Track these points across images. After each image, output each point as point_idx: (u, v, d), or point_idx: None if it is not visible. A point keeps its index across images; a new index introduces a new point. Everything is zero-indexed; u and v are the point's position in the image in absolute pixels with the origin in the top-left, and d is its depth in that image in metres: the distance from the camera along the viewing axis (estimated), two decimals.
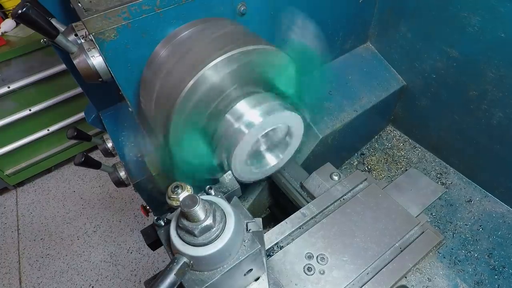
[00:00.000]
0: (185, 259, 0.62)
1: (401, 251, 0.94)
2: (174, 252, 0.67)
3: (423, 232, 0.98)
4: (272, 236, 0.99)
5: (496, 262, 1.39)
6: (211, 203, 0.65)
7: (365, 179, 1.10)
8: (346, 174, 1.14)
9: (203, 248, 0.62)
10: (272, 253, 0.96)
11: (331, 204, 1.04)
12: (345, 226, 0.97)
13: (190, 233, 0.62)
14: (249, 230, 0.71)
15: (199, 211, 0.60)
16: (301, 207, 1.15)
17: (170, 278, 0.59)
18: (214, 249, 0.62)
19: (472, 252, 1.42)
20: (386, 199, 1.04)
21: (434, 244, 0.96)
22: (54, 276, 2.58)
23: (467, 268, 1.38)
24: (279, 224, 1.01)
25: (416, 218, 1.00)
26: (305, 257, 0.93)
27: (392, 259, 0.92)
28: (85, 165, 1.18)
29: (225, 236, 0.63)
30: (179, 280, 0.61)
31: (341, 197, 1.06)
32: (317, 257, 0.92)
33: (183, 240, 0.63)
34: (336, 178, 1.12)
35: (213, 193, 0.76)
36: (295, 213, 1.01)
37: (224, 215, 0.66)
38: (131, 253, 2.63)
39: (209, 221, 0.61)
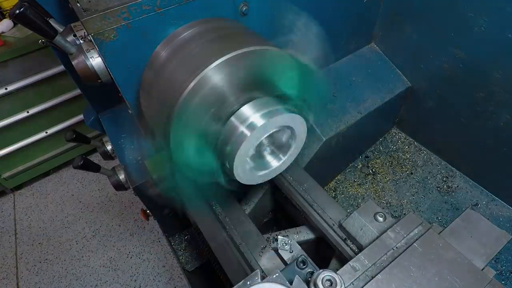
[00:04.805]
0: None
1: None
2: None
3: None
4: None
5: (503, 267, 1.36)
6: None
7: (420, 223, 0.95)
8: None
9: None
10: None
11: (384, 255, 0.89)
12: (405, 284, 0.82)
13: None
14: None
15: None
16: (305, 212, 1.12)
17: None
18: None
19: None
20: (448, 249, 0.88)
21: None
22: (53, 281, 2.55)
23: None
24: None
25: (482, 271, 0.87)
26: None
27: None
28: (84, 168, 1.16)
29: None
30: None
31: (395, 246, 0.91)
32: None
33: None
34: (381, 219, 0.99)
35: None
36: (344, 267, 0.87)
37: None
38: (130, 258, 2.60)
39: None
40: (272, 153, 1.03)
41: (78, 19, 0.75)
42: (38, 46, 2.38)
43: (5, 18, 2.59)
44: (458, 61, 1.36)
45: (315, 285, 0.62)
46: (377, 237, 0.93)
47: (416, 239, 0.91)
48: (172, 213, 1.44)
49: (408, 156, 1.75)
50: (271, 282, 0.60)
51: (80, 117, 2.90)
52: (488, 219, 1.45)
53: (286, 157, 1.02)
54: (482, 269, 0.87)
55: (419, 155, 1.74)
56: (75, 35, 0.95)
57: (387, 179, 1.68)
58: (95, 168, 1.21)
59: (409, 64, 1.58)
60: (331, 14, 1.35)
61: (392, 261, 0.86)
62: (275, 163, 1.03)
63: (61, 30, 0.98)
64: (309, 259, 0.75)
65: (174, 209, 1.41)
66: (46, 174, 3.28)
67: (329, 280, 0.63)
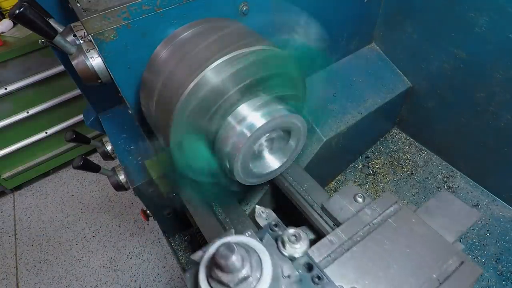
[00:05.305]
0: None
1: (440, 284, 0.84)
2: None
3: (463, 262, 0.88)
4: None
5: (504, 268, 1.36)
6: (247, 249, 0.58)
7: (395, 202, 1.00)
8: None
9: None
10: None
11: (360, 230, 0.94)
12: (378, 255, 0.88)
13: (224, 285, 0.55)
14: (287, 276, 0.63)
15: (236, 262, 0.53)
16: (305, 212, 1.12)
17: None
18: None
19: (479, 257, 1.39)
20: (419, 224, 0.94)
21: (475, 277, 0.86)
22: (52, 282, 2.54)
23: None
24: None
25: (452, 245, 0.92)
26: None
27: None
28: (84, 169, 1.16)
29: (263, 286, 0.56)
30: None
31: (371, 221, 0.96)
32: None
33: None
34: (360, 200, 1.03)
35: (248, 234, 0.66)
36: (321, 240, 0.91)
37: (259, 260, 0.59)
38: (130, 258, 2.60)
39: (245, 271, 0.54)
40: (272, 153, 1.03)
41: (78, 19, 0.75)
42: (38, 46, 2.38)
43: (5, 18, 2.59)
44: (458, 61, 1.36)
45: (282, 240, 0.67)
46: (353, 214, 0.98)
47: (391, 216, 0.96)
48: (172, 214, 1.44)
49: (408, 156, 1.74)
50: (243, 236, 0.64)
51: (80, 117, 2.90)
52: (489, 219, 1.45)
53: (286, 157, 1.02)
54: (452, 243, 0.93)
55: (419, 155, 1.74)
56: (75, 35, 0.95)
57: (388, 179, 1.68)
58: (95, 168, 1.21)
59: (409, 64, 1.57)
60: (331, 14, 1.35)
61: (367, 235, 0.91)
62: (275, 164, 1.02)
63: (61, 30, 0.97)
64: (281, 222, 0.78)
65: (174, 209, 1.40)
66: (46, 174, 3.28)
67: (294, 235, 0.67)
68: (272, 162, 1.03)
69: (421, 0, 1.36)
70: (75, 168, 1.14)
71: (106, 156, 1.41)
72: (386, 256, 0.87)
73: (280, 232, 0.72)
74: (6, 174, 2.93)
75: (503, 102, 1.30)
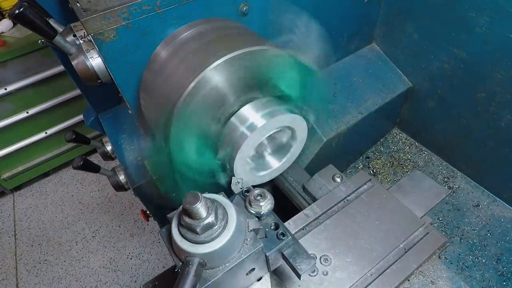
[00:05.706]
0: (199, 259, 0.61)
1: (405, 252, 0.92)
2: (175, 251, 0.67)
3: (428, 233, 0.96)
4: None
5: (505, 268, 1.36)
6: (213, 200, 0.64)
7: (369, 180, 1.07)
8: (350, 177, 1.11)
9: (207, 245, 0.62)
10: None
11: (334, 205, 1.02)
12: (349, 227, 0.96)
13: (192, 230, 0.62)
14: (251, 229, 0.69)
15: (201, 208, 0.59)
16: None
17: (190, 280, 0.58)
18: (216, 247, 0.61)
19: (479, 258, 1.39)
20: (390, 200, 1.02)
21: (438, 245, 0.94)
22: (52, 282, 2.54)
23: (475, 274, 1.35)
24: None
25: (420, 219, 0.99)
26: None
27: (396, 260, 0.91)
28: (84, 169, 1.15)
29: (227, 234, 0.63)
30: (198, 281, 0.60)
31: (345, 198, 1.04)
32: (320, 258, 0.90)
33: (185, 238, 0.63)
34: (338, 180, 1.09)
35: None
36: (298, 214, 1.00)
37: (226, 213, 0.65)
38: (130, 258, 2.59)
39: (211, 219, 0.61)
40: (273, 153, 1.03)
41: (78, 19, 0.75)
42: (38, 46, 2.38)
43: (4, 18, 2.59)
44: (459, 61, 1.36)
45: (249, 200, 0.72)
46: (330, 191, 1.05)
47: (364, 192, 1.04)
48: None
49: (409, 156, 1.74)
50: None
51: (80, 117, 2.90)
52: (490, 220, 1.45)
53: (286, 157, 1.02)
54: (421, 218, 1.00)
55: (420, 155, 1.74)
56: (75, 35, 0.95)
57: (388, 179, 1.67)
58: (95, 168, 1.21)
59: (410, 64, 1.57)
60: (331, 14, 1.35)
61: (341, 210, 0.99)
62: (275, 164, 1.02)
63: (61, 30, 0.97)
64: (252, 188, 0.82)
65: (174, 209, 1.40)
66: (46, 174, 3.27)
67: (260, 194, 0.72)
68: (272, 162, 1.03)
69: (421, 0, 1.36)
70: (75, 168, 1.14)
71: (106, 156, 1.41)
72: (357, 228, 0.95)
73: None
74: (6, 174, 2.93)
75: (503, 102, 1.30)
